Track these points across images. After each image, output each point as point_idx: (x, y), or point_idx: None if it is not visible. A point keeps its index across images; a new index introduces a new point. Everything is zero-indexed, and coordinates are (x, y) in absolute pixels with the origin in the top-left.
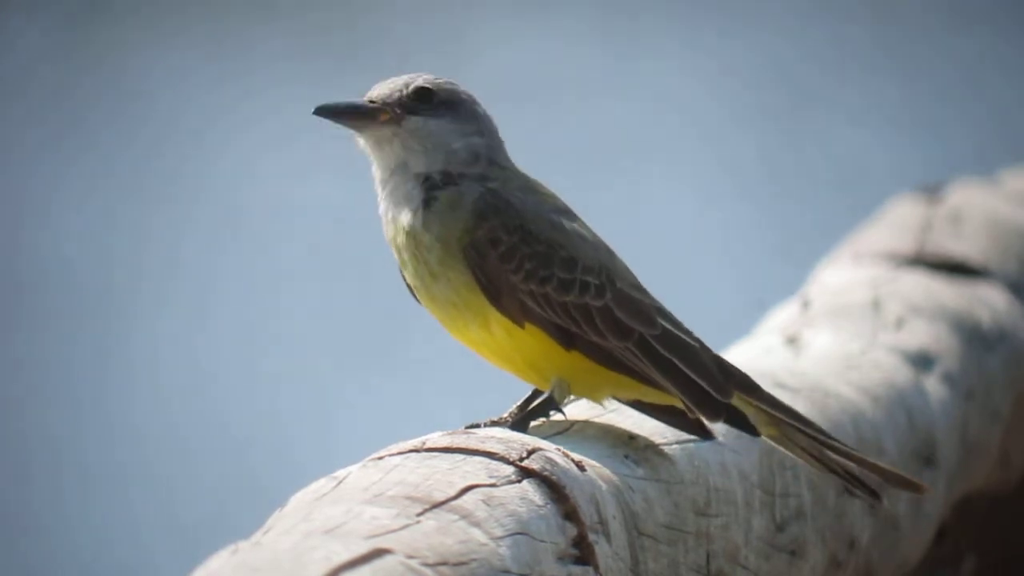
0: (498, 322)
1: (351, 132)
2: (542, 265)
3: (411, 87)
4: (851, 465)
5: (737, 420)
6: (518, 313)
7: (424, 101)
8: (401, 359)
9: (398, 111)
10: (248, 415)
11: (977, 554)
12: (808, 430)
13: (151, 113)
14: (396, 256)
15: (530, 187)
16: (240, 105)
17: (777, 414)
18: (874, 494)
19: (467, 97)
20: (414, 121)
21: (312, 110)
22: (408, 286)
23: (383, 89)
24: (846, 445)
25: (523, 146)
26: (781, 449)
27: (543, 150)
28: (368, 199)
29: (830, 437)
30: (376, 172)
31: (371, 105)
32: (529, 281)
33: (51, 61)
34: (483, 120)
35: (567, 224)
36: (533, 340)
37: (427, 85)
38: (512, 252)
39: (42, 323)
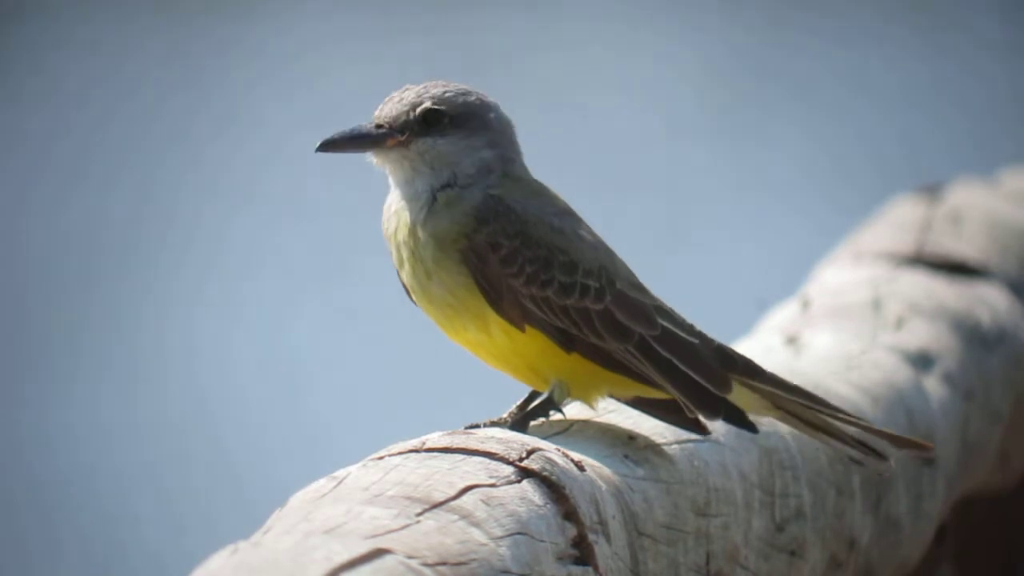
0: (497, 325)
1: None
2: (543, 269)
3: (419, 111)
4: (857, 432)
5: (735, 417)
6: (518, 317)
7: (433, 123)
8: (401, 359)
9: (405, 135)
10: (248, 415)
11: (972, 555)
12: (814, 405)
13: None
14: (394, 254)
15: (534, 191)
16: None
17: (782, 393)
18: (881, 456)
19: (480, 107)
20: (422, 143)
21: (315, 149)
22: (404, 286)
23: (391, 109)
24: (852, 415)
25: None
26: (787, 428)
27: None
28: (369, 200)
29: (836, 408)
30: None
31: (377, 132)
32: (530, 285)
33: None
34: (496, 130)
35: (568, 227)
36: (533, 343)
37: (435, 107)
38: (513, 256)
39: (44, 319)
